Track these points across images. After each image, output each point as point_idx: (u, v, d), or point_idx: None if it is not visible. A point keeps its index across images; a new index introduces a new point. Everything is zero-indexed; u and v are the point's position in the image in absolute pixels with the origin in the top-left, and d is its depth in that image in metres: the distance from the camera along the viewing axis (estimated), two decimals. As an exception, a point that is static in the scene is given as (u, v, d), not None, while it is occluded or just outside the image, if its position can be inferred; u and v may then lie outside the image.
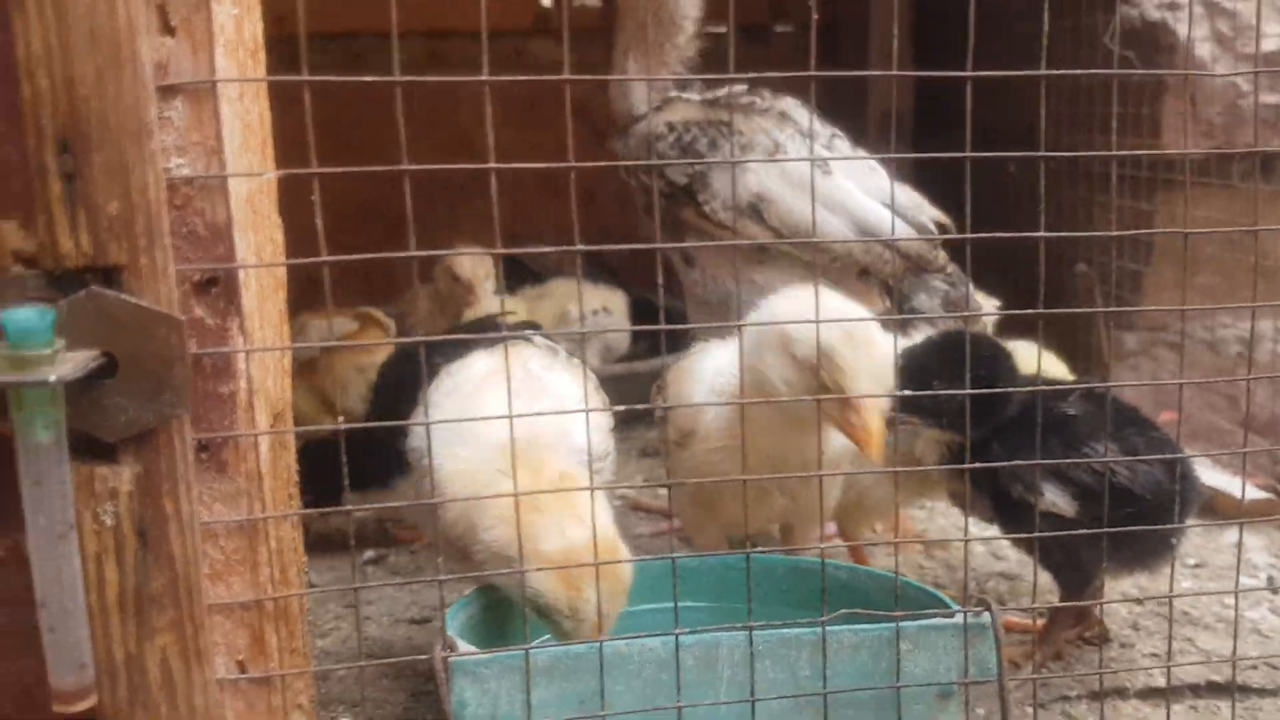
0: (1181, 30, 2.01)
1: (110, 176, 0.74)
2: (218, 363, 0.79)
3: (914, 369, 1.18)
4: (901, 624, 0.90)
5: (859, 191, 1.70)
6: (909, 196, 1.77)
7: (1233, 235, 1.84)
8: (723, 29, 3.07)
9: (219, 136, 0.77)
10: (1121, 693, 1.29)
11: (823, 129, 1.81)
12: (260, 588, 0.82)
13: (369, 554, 1.73)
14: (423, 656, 0.87)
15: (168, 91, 0.76)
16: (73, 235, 0.74)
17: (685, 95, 1.88)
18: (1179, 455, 1.23)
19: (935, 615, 0.93)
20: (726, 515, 1.31)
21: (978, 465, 1.11)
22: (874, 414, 1.08)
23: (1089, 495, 1.19)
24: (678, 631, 0.87)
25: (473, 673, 0.85)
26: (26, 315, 0.72)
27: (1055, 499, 1.20)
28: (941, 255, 1.76)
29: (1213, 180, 1.99)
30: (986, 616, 0.91)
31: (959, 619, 0.91)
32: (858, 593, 1.06)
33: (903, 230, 1.69)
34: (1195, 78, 1.96)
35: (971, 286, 1.69)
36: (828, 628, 0.88)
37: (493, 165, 0.81)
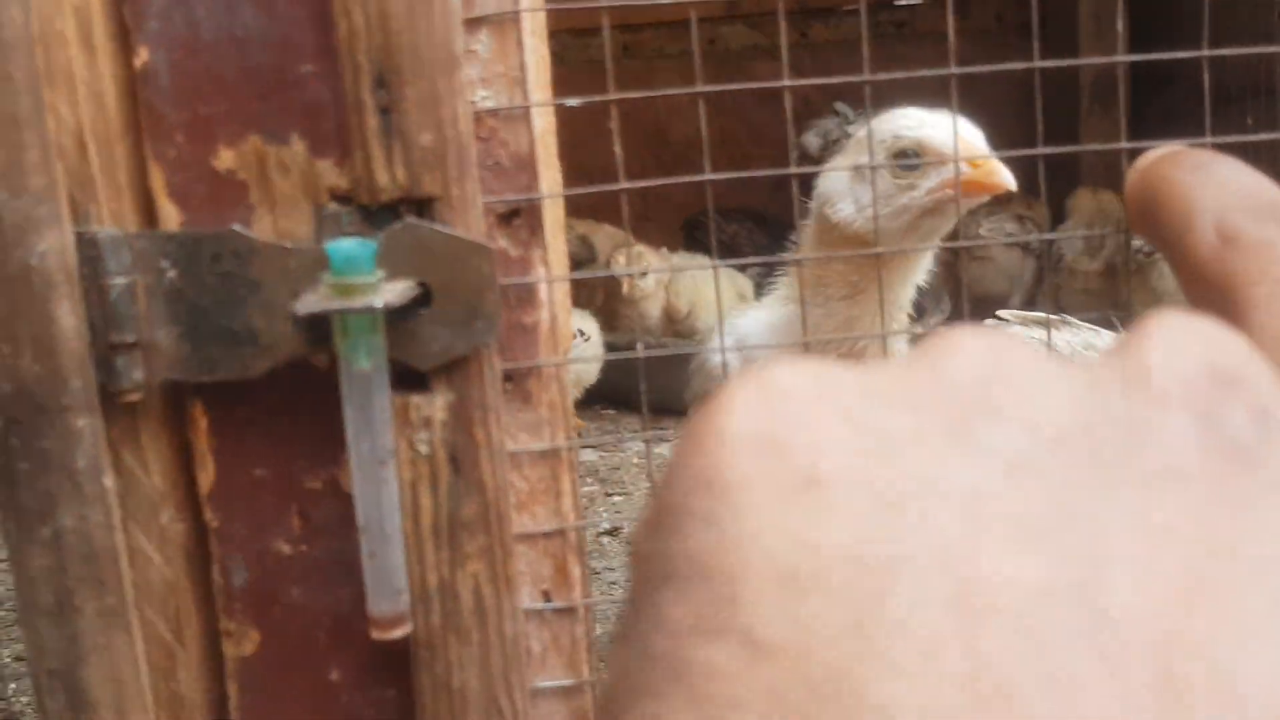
0: None
1: (423, 109, 0.76)
2: (521, 293, 0.80)
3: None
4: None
5: None
6: None
7: None
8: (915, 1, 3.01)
9: (522, 68, 0.78)
10: None
11: None
12: (564, 517, 0.83)
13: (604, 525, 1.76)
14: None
15: (473, 24, 0.77)
16: (388, 168, 0.76)
17: None
18: None
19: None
20: None
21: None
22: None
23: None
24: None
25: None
26: (350, 246, 0.75)
27: None
28: None
29: None
30: None
31: None
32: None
33: None
34: None
35: None
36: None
37: (786, 83, 0.79)
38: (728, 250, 2.60)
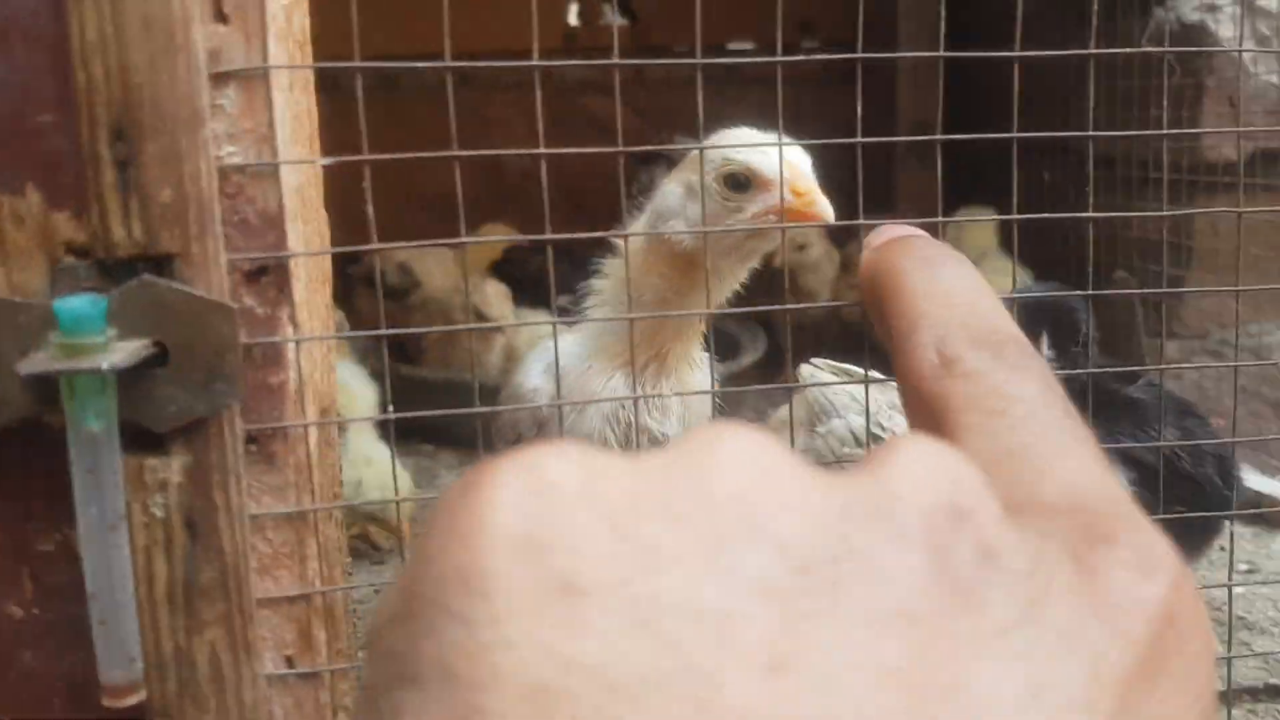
0: (1220, 31, 2.00)
1: (163, 165, 0.74)
2: (268, 352, 0.78)
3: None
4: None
5: None
6: None
7: (1273, 238, 1.83)
8: (748, 45, 3.08)
9: (270, 124, 0.77)
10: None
11: None
12: (308, 582, 0.81)
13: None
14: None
15: (220, 79, 0.76)
16: (125, 224, 0.74)
17: None
18: (1221, 441, 1.21)
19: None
20: None
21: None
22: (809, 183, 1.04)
23: (1148, 479, 1.17)
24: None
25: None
26: (78, 304, 0.72)
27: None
28: None
29: (1257, 181, 1.97)
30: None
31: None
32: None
33: None
34: (1236, 80, 1.94)
35: None
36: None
37: (543, 151, 0.80)
38: (535, 284, 2.60)
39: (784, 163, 1.05)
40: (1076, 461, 0.31)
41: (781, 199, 1.04)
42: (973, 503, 0.26)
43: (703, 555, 0.23)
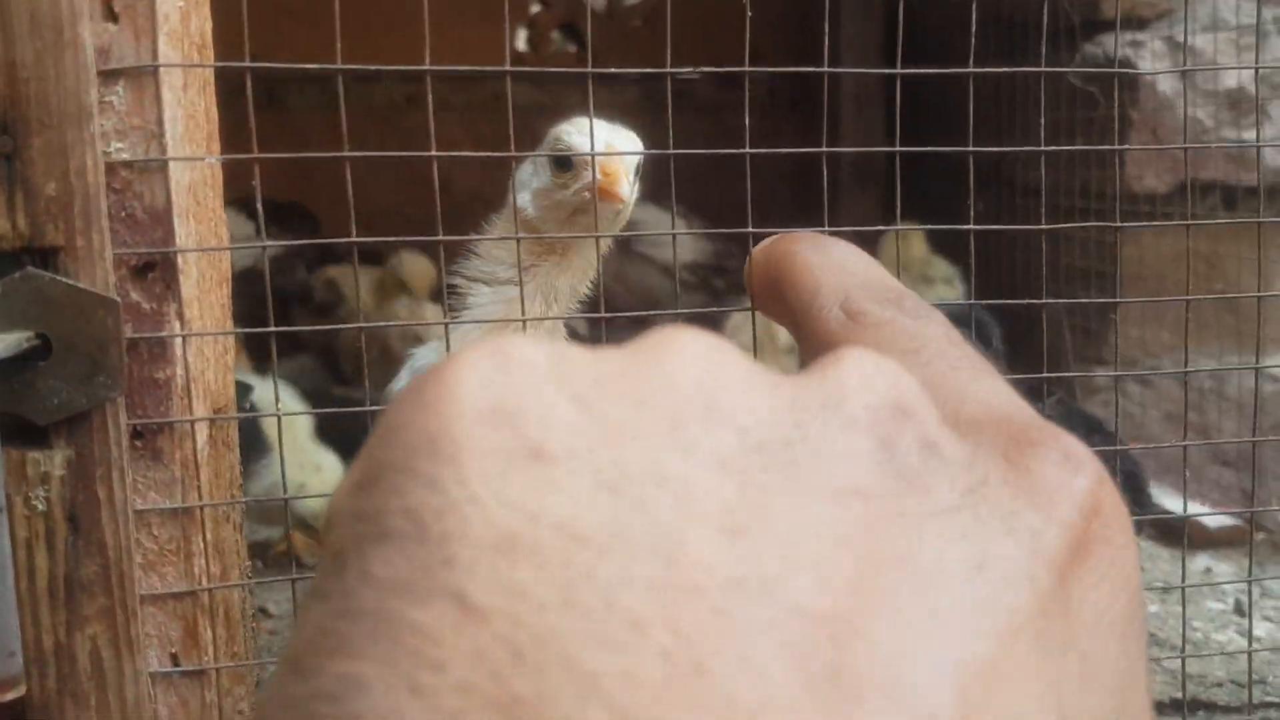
0: (1142, 66, 2.04)
1: (49, 158, 0.74)
2: (153, 348, 0.79)
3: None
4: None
5: None
6: None
7: (1199, 267, 1.87)
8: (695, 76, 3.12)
9: (160, 122, 0.77)
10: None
11: None
12: (195, 579, 0.81)
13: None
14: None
15: (109, 76, 0.76)
16: (9, 216, 0.75)
17: None
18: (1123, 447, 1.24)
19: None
20: None
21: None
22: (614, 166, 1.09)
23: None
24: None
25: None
26: (-41, 294, 0.72)
27: None
28: None
29: (1175, 212, 2.01)
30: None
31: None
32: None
33: None
34: (1160, 116, 1.99)
35: None
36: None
37: (434, 154, 0.81)
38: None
39: (603, 145, 1.12)
40: (991, 387, 0.33)
41: (595, 177, 1.09)
42: (914, 404, 0.28)
43: (664, 432, 0.25)
